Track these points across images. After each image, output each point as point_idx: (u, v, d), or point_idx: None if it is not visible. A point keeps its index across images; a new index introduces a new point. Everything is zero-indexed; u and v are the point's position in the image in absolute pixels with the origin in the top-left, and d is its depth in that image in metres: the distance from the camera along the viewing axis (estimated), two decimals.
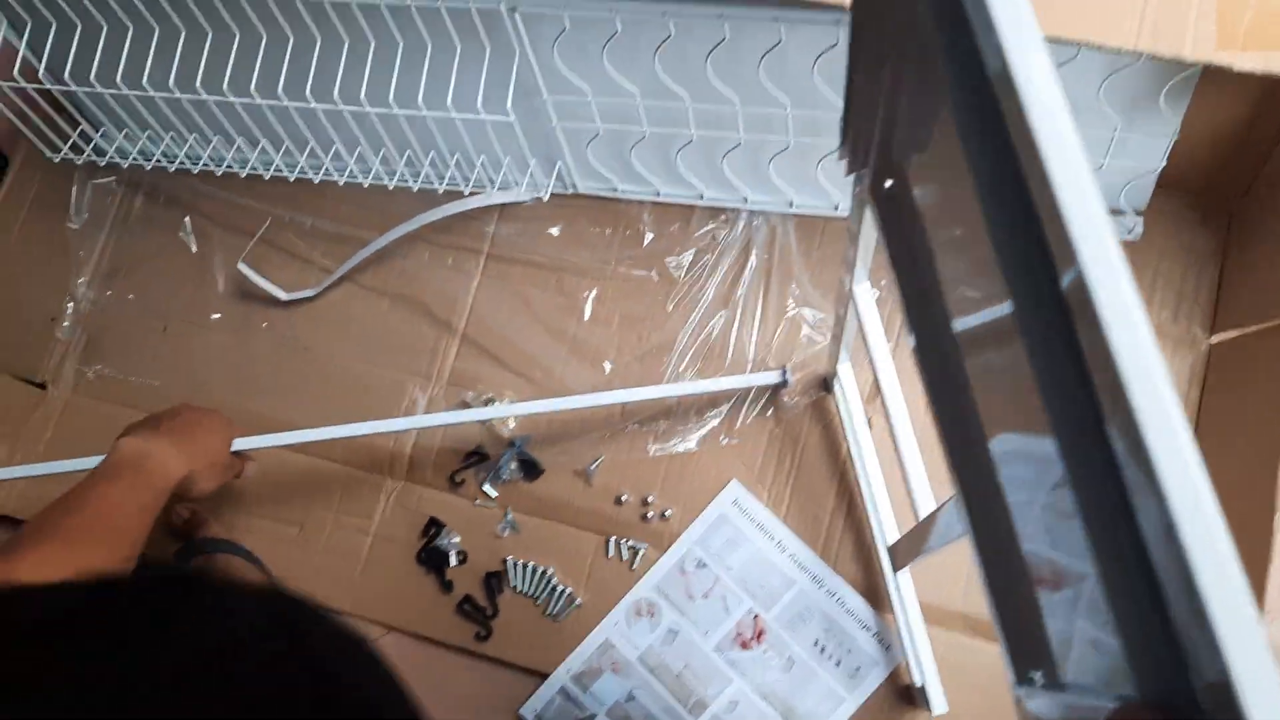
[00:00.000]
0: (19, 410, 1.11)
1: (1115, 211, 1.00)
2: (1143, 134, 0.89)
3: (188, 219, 1.15)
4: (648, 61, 0.89)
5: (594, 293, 1.07)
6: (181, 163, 1.12)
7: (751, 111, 0.92)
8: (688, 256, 1.06)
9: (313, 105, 0.96)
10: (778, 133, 0.95)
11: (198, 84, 0.96)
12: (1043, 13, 0.35)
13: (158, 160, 1.11)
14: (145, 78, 0.98)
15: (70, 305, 1.14)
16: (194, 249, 1.15)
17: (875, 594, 0.97)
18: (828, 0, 0.74)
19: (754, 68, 0.87)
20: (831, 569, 0.98)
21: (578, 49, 0.90)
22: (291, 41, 0.94)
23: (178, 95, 0.97)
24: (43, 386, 1.12)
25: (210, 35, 0.95)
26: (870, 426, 0.98)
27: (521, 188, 1.08)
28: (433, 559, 1.03)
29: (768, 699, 0.96)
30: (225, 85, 0.97)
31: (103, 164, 1.14)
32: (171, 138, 1.11)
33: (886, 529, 0.96)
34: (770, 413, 1.02)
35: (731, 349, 1.03)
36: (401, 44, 0.92)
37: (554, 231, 1.09)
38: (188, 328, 1.13)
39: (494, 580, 1.01)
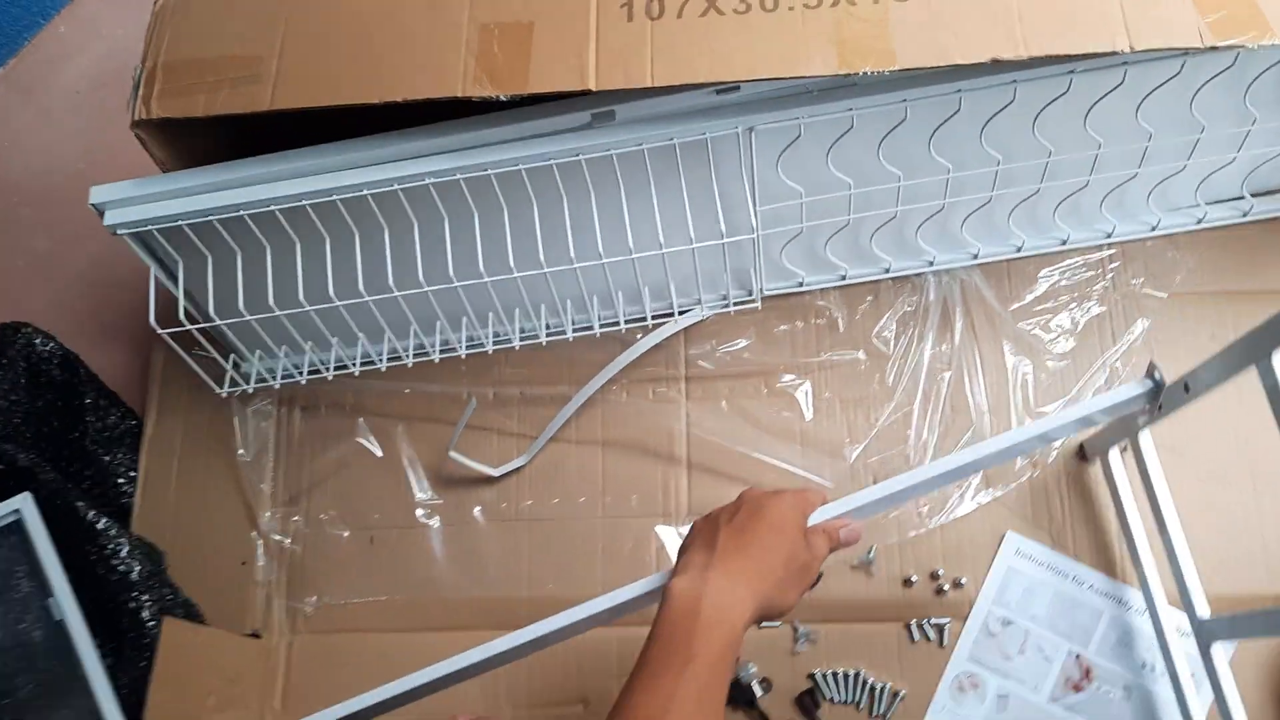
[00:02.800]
0: (244, 666, 1.02)
1: (1271, 193, 1.07)
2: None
3: (361, 420, 1.10)
4: (869, 150, 0.91)
5: (807, 387, 1.07)
6: (340, 365, 1.07)
7: (961, 176, 0.94)
8: (890, 329, 1.08)
9: (514, 274, 0.90)
10: (979, 190, 0.98)
11: (360, 287, 0.90)
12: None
13: (313, 369, 1.05)
14: (301, 294, 0.89)
15: (260, 543, 1.07)
16: (378, 451, 1.09)
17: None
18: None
19: (977, 132, 0.90)
20: (1135, 587, 0.99)
21: (796, 153, 0.90)
22: (447, 222, 0.89)
23: (338, 304, 0.90)
24: (257, 636, 1.04)
25: (357, 236, 0.90)
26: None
27: (703, 306, 1.07)
28: (739, 695, 0.99)
29: None
30: (391, 282, 0.91)
31: (251, 390, 1.07)
32: (313, 345, 1.05)
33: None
34: (1021, 460, 1.03)
35: (971, 406, 1.04)
36: (622, 187, 0.90)
37: (745, 339, 1.09)
38: (395, 533, 1.07)
39: (807, 698, 0.99)
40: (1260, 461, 1.01)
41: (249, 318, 0.91)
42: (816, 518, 0.75)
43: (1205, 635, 0.87)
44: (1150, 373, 0.80)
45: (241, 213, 0.87)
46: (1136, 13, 0.78)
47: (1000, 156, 0.93)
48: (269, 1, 0.86)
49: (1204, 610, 0.88)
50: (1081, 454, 1.02)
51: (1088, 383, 1.04)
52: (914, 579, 1.01)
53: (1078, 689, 0.98)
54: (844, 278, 1.08)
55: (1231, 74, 0.88)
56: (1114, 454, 0.99)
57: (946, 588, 1.00)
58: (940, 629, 1.00)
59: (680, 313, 1.07)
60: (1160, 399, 0.80)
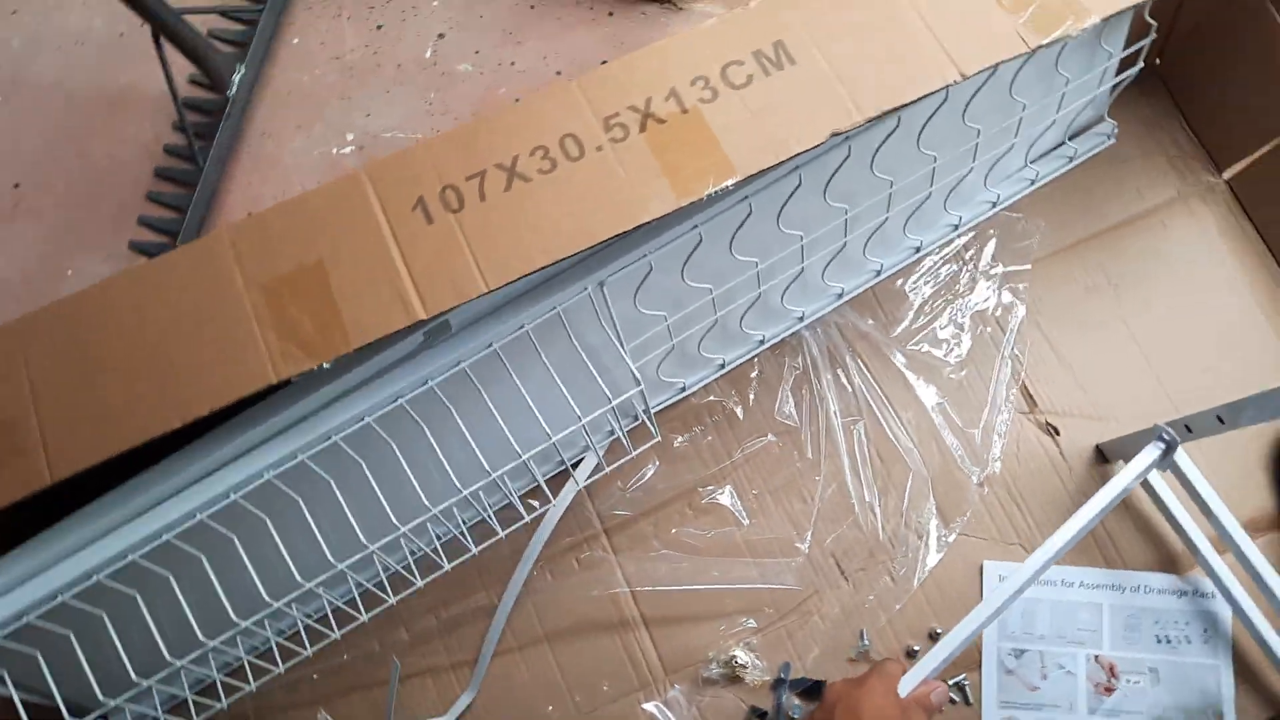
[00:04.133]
0: None
1: (1086, 130, 1.05)
2: (1093, 66, 0.94)
3: None
4: (722, 252, 0.82)
5: (730, 491, 0.99)
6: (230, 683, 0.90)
7: (814, 237, 0.88)
8: (789, 401, 1.00)
9: (400, 530, 0.78)
10: (832, 241, 0.91)
11: (230, 613, 0.75)
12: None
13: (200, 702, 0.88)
14: (163, 648, 0.73)
15: None
16: None
17: (1173, 561, 0.96)
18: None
19: (820, 193, 0.83)
20: (1121, 569, 0.96)
21: (651, 282, 0.81)
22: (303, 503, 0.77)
23: (213, 644, 0.74)
24: None
25: (206, 560, 0.74)
26: None
27: (595, 449, 0.97)
28: None
29: (1161, 717, 0.93)
30: (263, 592, 0.76)
31: None
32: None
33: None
34: (973, 481, 0.98)
35: (900, 448, 0.98)
36: (483, 391, 0.78)
37: (651, 468, 0.99)
38: None
39: None
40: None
41: (113, 703, 0.74)
42: (911, 679, 0.74)
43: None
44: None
45: (61, 598, 0.70)
46: (953, 39, 0.73)
47: (846, 206, 0.86)
48: None
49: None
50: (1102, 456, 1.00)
51: (997, 381, 1.00)
52: (916, 648, 0.95)
53: (1109, 690, 0.94)
54: (724, 365, 1.00)
55: (1042, 52, 0.84)
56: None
57: None
58: (961, 688, 0.94)
59: (573, 464, 0.96)
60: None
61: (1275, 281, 1.02)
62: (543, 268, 0.69)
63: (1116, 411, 0.99)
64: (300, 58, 1.10)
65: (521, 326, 0.75)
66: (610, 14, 1.11)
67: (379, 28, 1.11)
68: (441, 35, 1.10)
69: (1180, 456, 0.87)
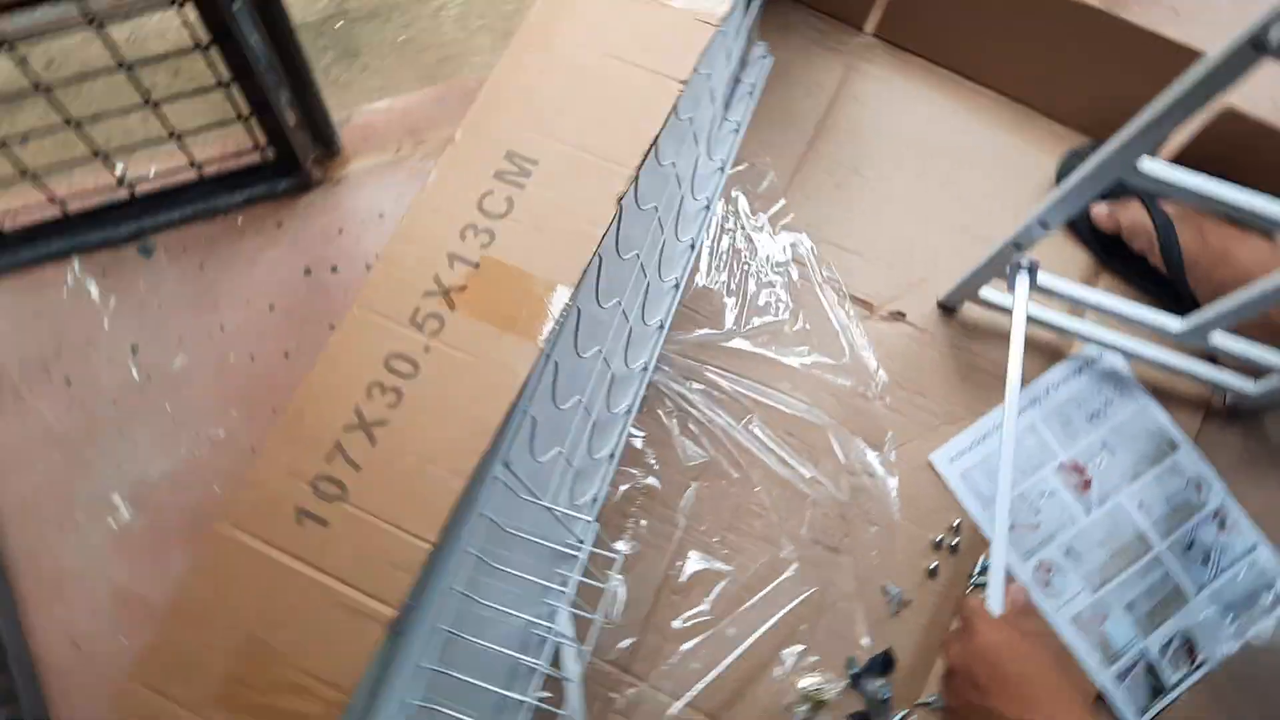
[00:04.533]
0: None
1: (747, 64, 1.10)
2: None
3: None
4: (568, 355, 0.80)
5: (695, 556, 0.96)
6: None
7: (626, 292, 0.86)
8: (686, 444, 0.99)
9: None
10: (639, 285, 0.90)
11: None
12: None
13: None
14: None
15: None
16: None
17: (1055, 354, 1.03)
18: None
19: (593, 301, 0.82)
20: (1026, 387, 1.02)
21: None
22: None
23: None
24: None
25: None
26: None
27: (572, 601, 0.92)
28: None
29: (1134, 471, 1.00)
30: None
31: None
32: None
33: None
34: (871, 392, 1.01)
35: (800, 415, 0.99)
36: None
37: (619, 585, 0.95)
38: None
39: None
40: None
41: None
42: (995, 598, 0.75)
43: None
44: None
45: None
46: (652, 57, 0.73)
47: (637, 251, 0.85)
48: None
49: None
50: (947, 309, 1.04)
51: (830, 308, 1.03)
52: (935, 565, 0.96)
53: (1087, 485, 1.00)
54: (613, 455, 0.97)
55: None
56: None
57: (955, 542, 0.97)
58: (985, 569, 0.97)
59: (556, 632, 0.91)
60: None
61: (966, 86, 1.11)
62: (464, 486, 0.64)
63: (929, 270, 1.05)
64: (13, 458, 0.96)
65: (466, 550, 0.69)
66: (279, 224, 1.04)
67: (68, 383, 0.98)
68: (135, 347, 0.99)
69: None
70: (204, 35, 0.84)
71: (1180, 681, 0.94)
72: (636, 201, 0.84)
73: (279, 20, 0.88)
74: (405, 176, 1.07)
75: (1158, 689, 0.94)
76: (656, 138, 0.72)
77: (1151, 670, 0.94)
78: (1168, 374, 1.02)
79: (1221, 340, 0.92)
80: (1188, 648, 0.95)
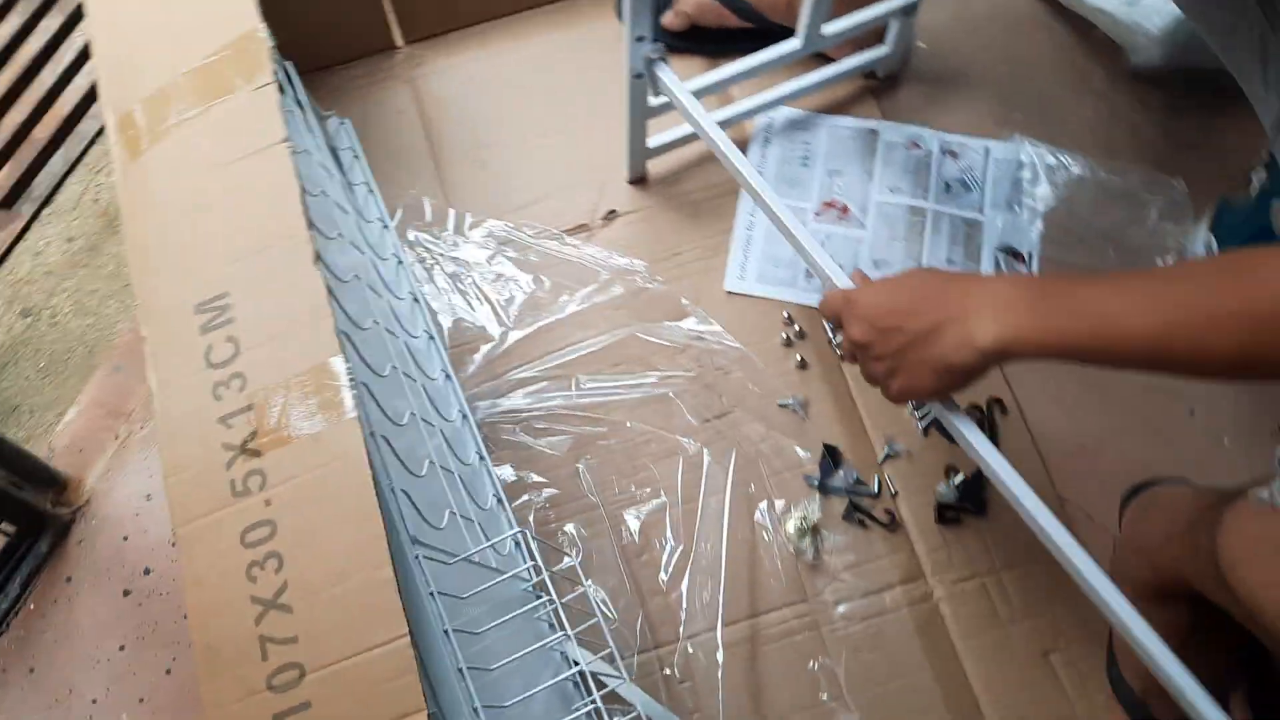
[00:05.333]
0: None
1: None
2: None
3: None
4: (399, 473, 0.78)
5: (683, 587, 0.96)
6: None
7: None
8: (567, 534, 0.99)
9: None
10: (405, 361, 0.90)
11: None
12: None
13: None
14: None
15: None
16: None
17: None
18: None
19: None
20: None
21: None
22: None
23: None
24: None
25: None
26: None
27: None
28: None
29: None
30: None
31: None
32: None
33: None
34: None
35: (620, 399, 1.01)
36: None
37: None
38: None
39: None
40: None
41: None
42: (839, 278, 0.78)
43: None
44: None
45: None
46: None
47: (392, 364, 0.85)
48: None
49: None
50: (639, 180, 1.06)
51: (578, 257, 1.06)
52: (799, 359, 1.01)
53: (845, 209, 1.07)
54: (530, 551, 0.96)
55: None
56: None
57: (798, 329, 1.02)
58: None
59: None
60: None
61: (503, 26, 1.17)
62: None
63: (601, 168, 1.10)
64: None
65: (447, 630, 0.67)
66: (69, 579, 0.96)
67: None
68: None
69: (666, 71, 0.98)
70: None
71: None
72: (338, 277, 0.83)
73: None
74: (140, 449, 1.02)
75: None
76: (303, 197, 0.72)
77: None
78: (826, 90, 1.11)
79: (833, 29, 1.01)
80: (1014, 254, 1.04)
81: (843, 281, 0.78)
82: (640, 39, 0.89)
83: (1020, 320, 0.62)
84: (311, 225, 0.70)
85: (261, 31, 0.77)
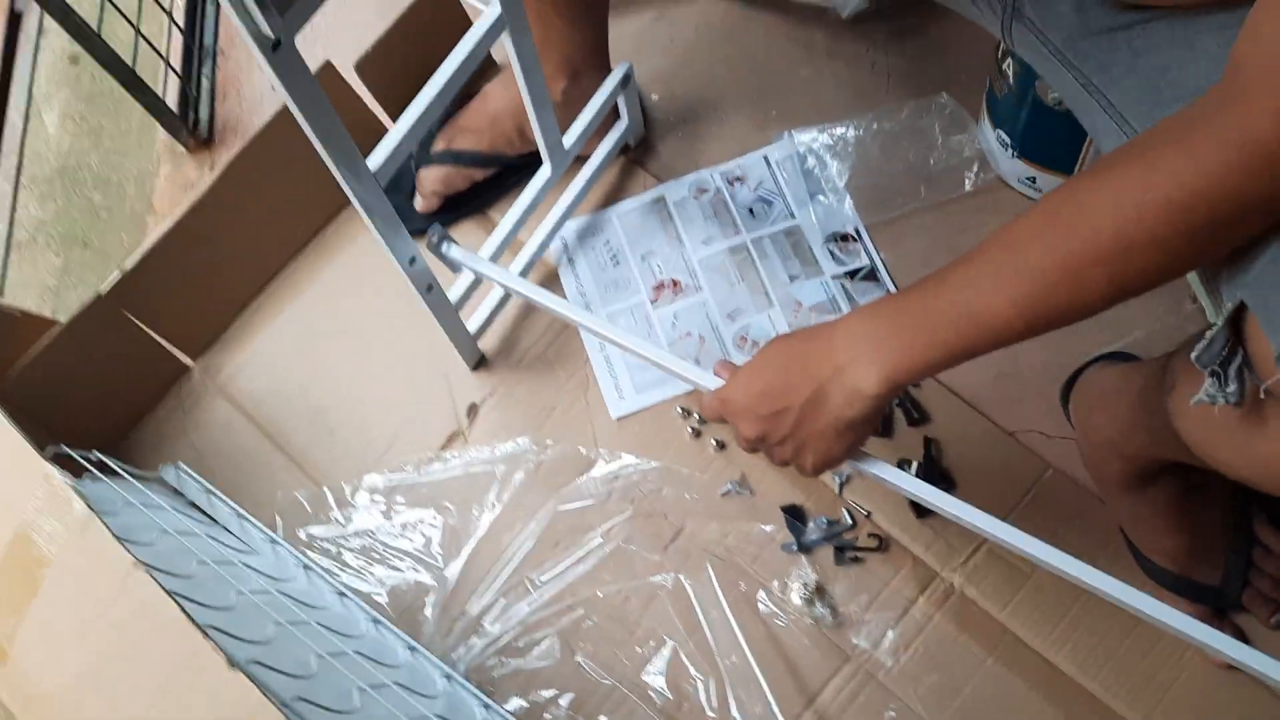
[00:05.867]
0: None
1: None
2: None
3: None
4: None
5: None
6: None
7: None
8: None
9: None
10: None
11: None
12: None
13: None
14: None
15: None
16: None
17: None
18: None
19: None
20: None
21: None
22: None
23: None
24: None
25: None
26: None
27: None
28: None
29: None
30: None
31: None
32: None
33: None
34: None
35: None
36: None
37: None
38: None
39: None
40: None
41: None
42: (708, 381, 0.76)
43: None
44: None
45: None
46: None
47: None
48: None
49: None
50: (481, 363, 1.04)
51: (440, 473, 1.03)
52: (716, 443, 0.99)
53: (675, 284, 1.06)
54: None
55: None
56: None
57: (698, 419, 1.00)
58: None
59: None
60: None
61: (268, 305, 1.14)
62: None
63: (446, 370, 1.07)
64: None
65: None
66: None
67: None
68: None
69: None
70: None
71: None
72: (250, 639, 0.79)
73: None
74: None
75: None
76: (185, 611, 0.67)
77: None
78: (597, 185, 1.11)
79: (570, 139, 1.00)
80: (842, 239, 1.04)
81: (708, 381, 0.76)
82: (413, 260, 0.86)
83: (895, 354, 0.61)
84: (208, 635, 0.66)
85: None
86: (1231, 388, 0.53)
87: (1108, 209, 0.51)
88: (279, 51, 0.63)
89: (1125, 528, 0.89)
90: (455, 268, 0.93)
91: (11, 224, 1.31)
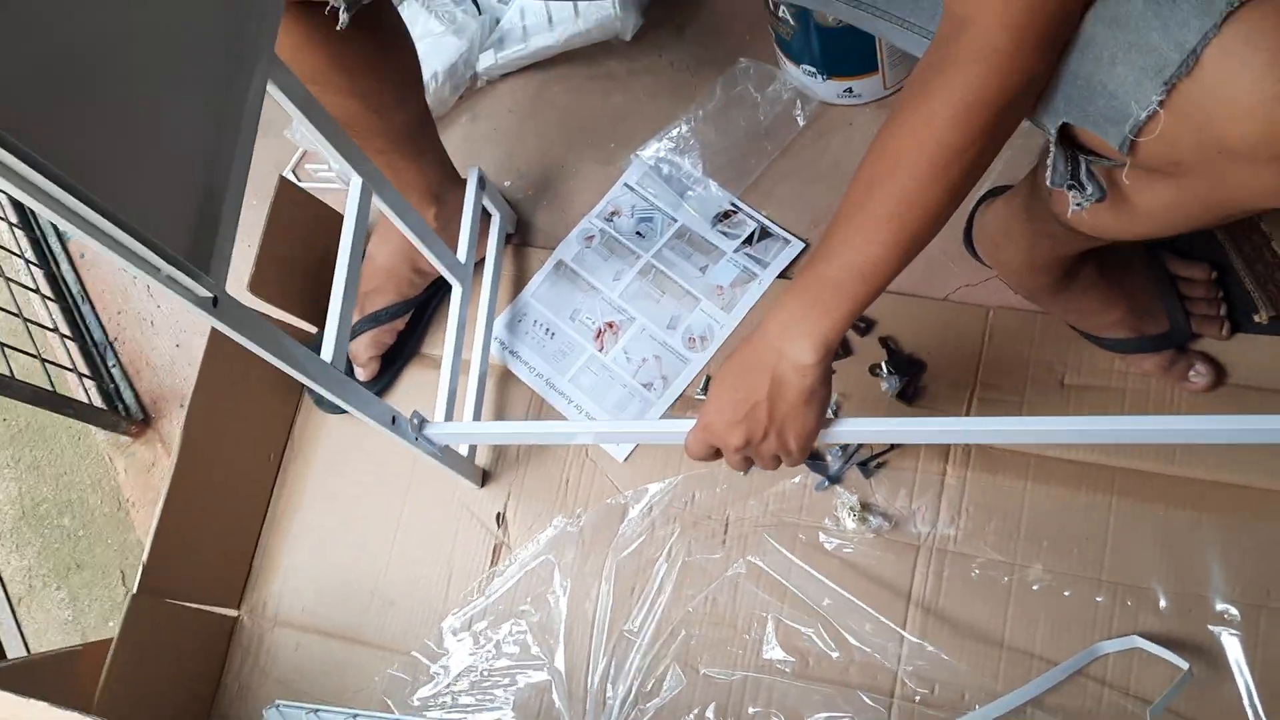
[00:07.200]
0: None
1: None
2: None
3: None
4: None
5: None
6: None
7: None
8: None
9: None
10: None
11: None
12: None
13: None
14: None
15: None
16: None
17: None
18: None
19: None
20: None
21: None
22: None
23: None
24: None
25: None
26: None
27: None
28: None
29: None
30: None
31: None
32: None
33: None
34: None
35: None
36: None
37: None
38: None
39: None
40: None
41: None
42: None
43: None
44: None
45: None
46: None
47: None
48: None
49: None
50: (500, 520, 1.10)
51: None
52: None
53: (612, 325, 1.15)
54: None
55: None
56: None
57: None
58: (706, 384, 1.09)
59: None
60: None
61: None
62: None
63: (465, 498, 1.13)
64: None
65: None
66: None
67: None
68: None
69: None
70: None
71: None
72: None
73: None
74: None
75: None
76: None
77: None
78: (504, 276, 1.18)
79: (463, 253, 1.08)
80: (724, 217, 1.14)
81: (687, 425, 0.83)
82: (394, 419, 0.93)
83: (818, 324, 0.70)
84: None
85: None
86: (1089, 189, 0.64)
87: (911, 146, 0.63)
88: (220, 305, 0.70)
89: (1072, 322, 1.00)
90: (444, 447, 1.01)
91: (3, 582, 1.33)
